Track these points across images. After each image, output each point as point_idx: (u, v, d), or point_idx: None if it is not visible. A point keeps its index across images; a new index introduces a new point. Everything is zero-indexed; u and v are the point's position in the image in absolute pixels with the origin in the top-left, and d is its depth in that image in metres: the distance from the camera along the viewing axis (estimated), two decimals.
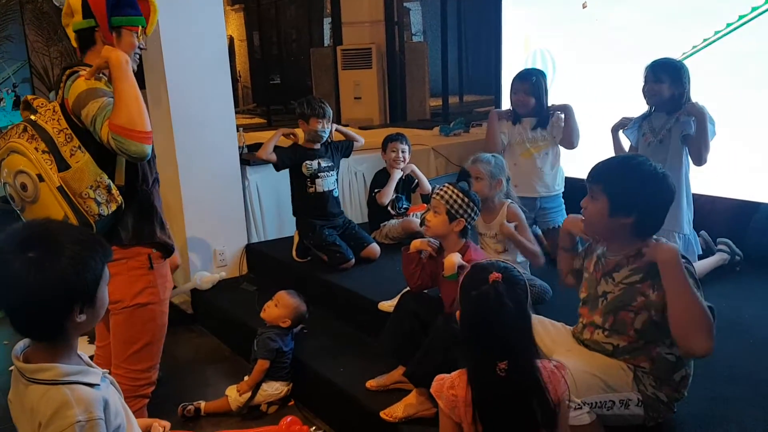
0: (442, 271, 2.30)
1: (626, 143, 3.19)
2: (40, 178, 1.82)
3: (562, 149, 3.46)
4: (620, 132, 3.16)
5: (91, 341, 2.70)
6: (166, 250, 2.11)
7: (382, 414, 2.32)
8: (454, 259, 2.25)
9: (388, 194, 3.79)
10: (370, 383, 2.54)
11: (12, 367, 1.29)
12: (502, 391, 1.58)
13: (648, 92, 2.99)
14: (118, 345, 2.08)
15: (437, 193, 2.40)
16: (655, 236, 1.88)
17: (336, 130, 3.83)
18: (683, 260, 1.79)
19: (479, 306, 1.60)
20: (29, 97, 1.98)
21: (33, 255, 1.20)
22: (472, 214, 2.38)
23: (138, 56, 2.09)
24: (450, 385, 1.67)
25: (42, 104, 1.94)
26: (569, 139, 3.37)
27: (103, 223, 1.91)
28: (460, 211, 2.34)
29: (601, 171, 1.93)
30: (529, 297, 1.65)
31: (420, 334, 2.42)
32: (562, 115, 3.37)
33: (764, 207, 3.34)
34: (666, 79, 2.93)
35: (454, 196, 2.36)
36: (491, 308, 1.58)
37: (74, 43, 2.04)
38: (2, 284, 1.22)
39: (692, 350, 1.77)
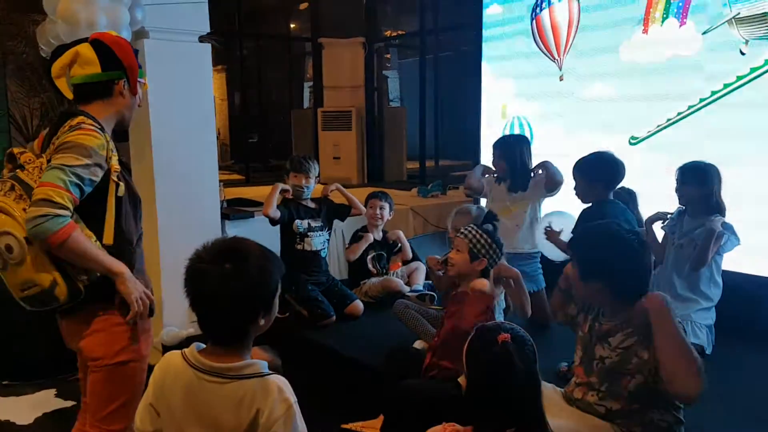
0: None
1: (660, 235, 3.13)
2: (28, 241, 1.71)
3: (543, 210, 3.54)
4: (657, 226, 3.12)
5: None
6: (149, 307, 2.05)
7: None
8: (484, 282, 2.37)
9: (356, 252, 3.83)
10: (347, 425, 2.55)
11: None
12: None
13: (677, 193, 3.00)
14: (96, 402, 1.97)
15: (461, 232, 2.46)
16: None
17: (338, 189, 3.84)
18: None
19: (490, 368, 1.51)
20: (15, 150, 1.86)
21: (229, 267, 1.38)
22: (494, 256, 2.43)
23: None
24: None
25: (29, 160, 1.82)
26: (553, 180, 3.43)
27: (93, 286, 1.84)
28: (482, 251, 2.40)
29: (573, 238, 2.02)
30: (537, 358, 1.56)
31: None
32: (540, 171, 3.49)
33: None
34: (692, 181, 2.90)
35: (478, 236, 2.42)
36: (502, 370, 1.48)
37: (68, 95, 1.96)
38: (208, 293, 1.39)
39: (683, 391, 1.72)
